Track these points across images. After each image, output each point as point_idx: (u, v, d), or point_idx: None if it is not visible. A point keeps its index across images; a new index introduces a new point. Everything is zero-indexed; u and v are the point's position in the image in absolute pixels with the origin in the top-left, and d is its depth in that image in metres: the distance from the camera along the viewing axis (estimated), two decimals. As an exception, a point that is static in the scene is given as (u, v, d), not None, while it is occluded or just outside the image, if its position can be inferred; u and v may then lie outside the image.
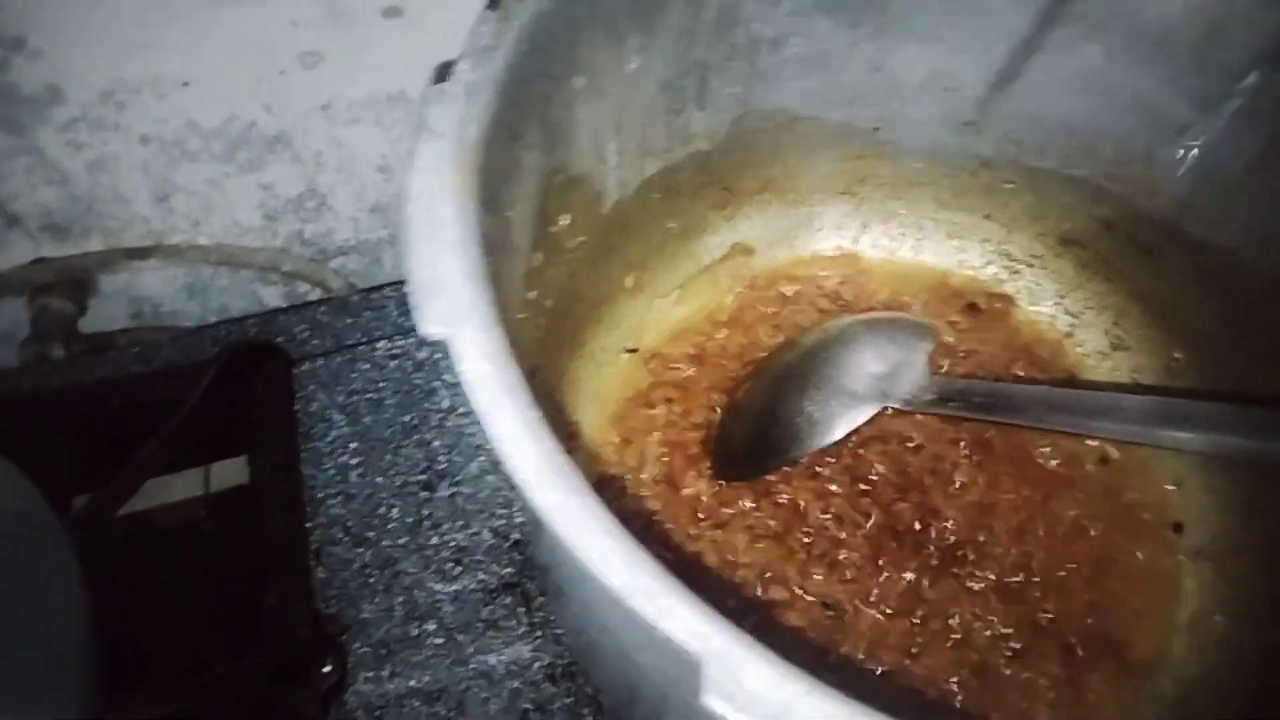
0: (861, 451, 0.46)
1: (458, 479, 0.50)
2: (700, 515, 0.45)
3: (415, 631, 0.46)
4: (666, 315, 0.50)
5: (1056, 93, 0.43)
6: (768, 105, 0.45)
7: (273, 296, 0.66)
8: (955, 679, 0.42)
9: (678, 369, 0.49)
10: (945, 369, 0.49)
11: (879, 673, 0.42)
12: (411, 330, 0.32)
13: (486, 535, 0.48)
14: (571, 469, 0.23)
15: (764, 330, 0.50)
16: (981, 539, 0.45)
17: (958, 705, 0.42)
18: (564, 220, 0.39)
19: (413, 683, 0.45)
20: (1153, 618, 0.44)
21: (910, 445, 0.47)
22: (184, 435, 0.50)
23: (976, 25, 0.42)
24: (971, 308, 0.51)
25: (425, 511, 0.49)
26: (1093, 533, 0.45)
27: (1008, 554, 0.44)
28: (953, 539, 0.45)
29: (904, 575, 0.44)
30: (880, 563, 0.44)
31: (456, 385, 0.25)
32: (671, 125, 0.43)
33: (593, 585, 0.22)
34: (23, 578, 0.42)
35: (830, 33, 0.42)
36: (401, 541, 0.48)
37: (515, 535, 0.48)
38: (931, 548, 0.45)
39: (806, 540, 0.45)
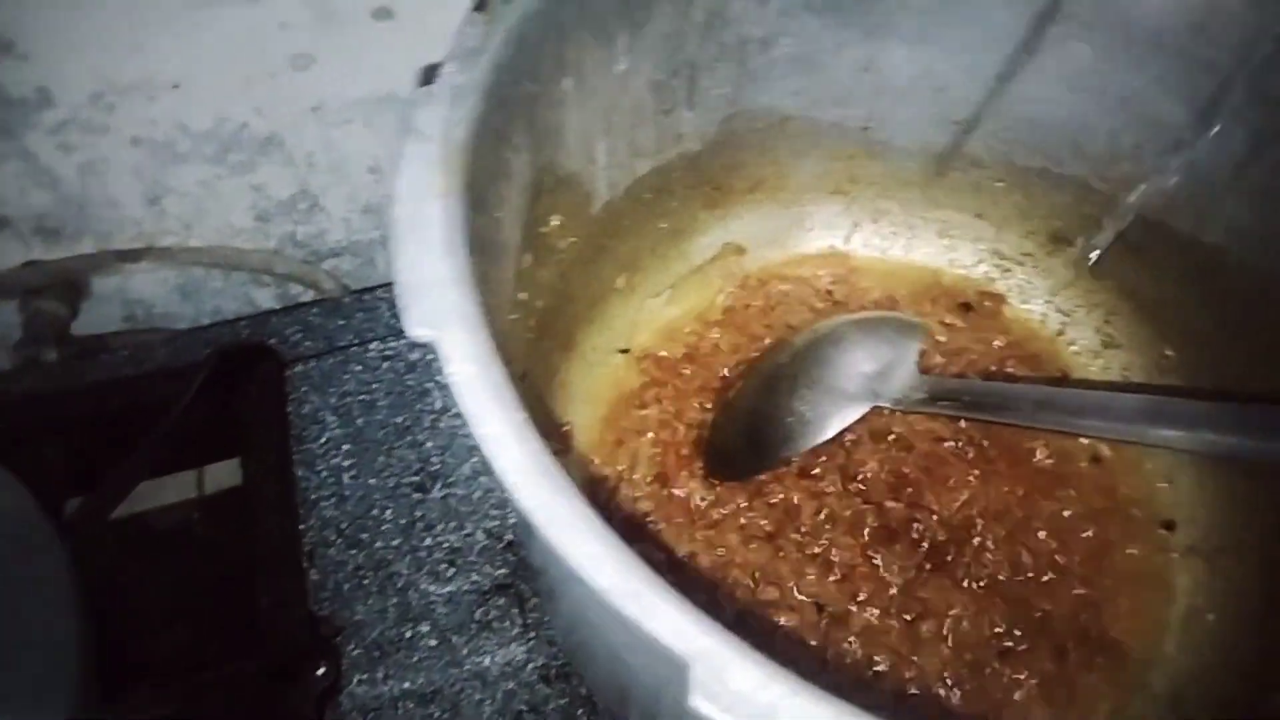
0: (854, 451, 0.46)
1: (451, 480, 0.50)
2: (693, 516, 0.45)
3: (409, 633, 0.46)
4: (658, 315, 0.50)
5: (1046, 92, 0.43)
6: (757, 105, 0.45)
7: (266, 298, 0.66)
8: (948, 678, 0.42)
9: (670, 369, 0.49)
10: (937, 368, 0.49)
11: (872, 672, 0.42)
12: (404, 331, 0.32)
13: (480, 536, 0.48)
14: (558, 470, 0.23)
15: (756, 330, 0.50)
16: (974, 538, 0.45)
17: (951, 704, 0.42)
18: (554, 221, 0.39)
19: (407, 684, 0.45)
20: (1145, 615, 0.44)
21: (902, 445, 0.47)
22: (176, 438, 0.50)
23: (965, 25, 0.42)
24: (963, 306, 0.51)
25: (418, 513, 0.49)
26: (1085, 531, 0.45)
27: (1000, 552, 0.45)
28: (945, 538, 0.45)
29: (897, 574, 0.44)
30: (873, 562, 0.44)
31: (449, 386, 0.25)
32: (661, 126, 0.43)
33: (581, 586, 0.22)
34: (16, 581, 0.42)
35: (819, 33, 0.42)
36: (395, 543, 0.48)
37: (508, 536, 0.48)
38: (924, 547, 0.45)
39: (799, 540, 0.45)
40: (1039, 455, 0.47)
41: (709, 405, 0.48)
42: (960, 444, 0.47)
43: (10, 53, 0.47)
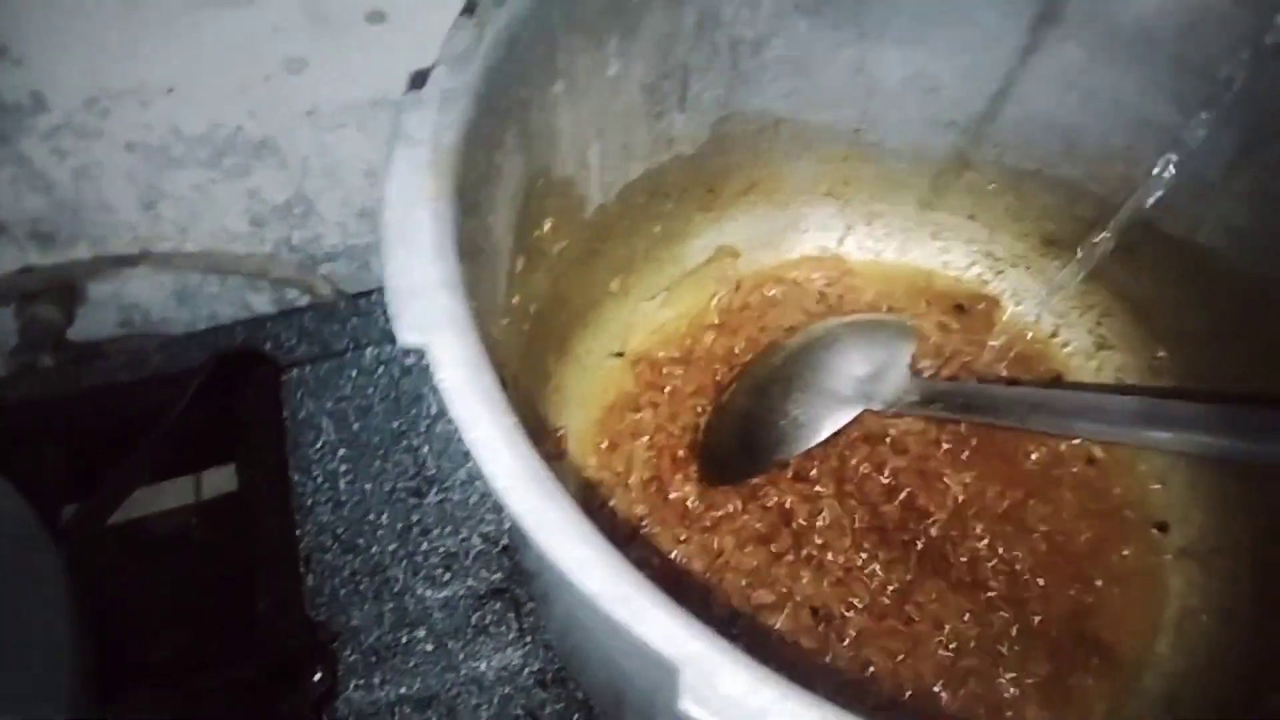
0: (848, 454, 0.47)
1: (446, 485, 0.50)
2: (688, 519, 0.46)
3: (405, 638, 0.46)
4: (652, 319, 0.50)
5: (1037, 94, 0.43)
6: (750, 108, 0.45)
7: (262, 303, 0.66)
8: (943, 680, 0.42)
9: (664, 372, 0.49)
10: (931, 370, 0.49)
11: (867, 675, 0.42)
12: (396, 337, 0.32)
13: (476, 541, 0.48)
14: (548, 475, 0.23)
15: (750, 333, 0.50)
16: (968, 540, 0.45)
17: (946, 706, 0.42)
18: (547, 225, 0.39)
19: (403, 690, 0.45)
20: (1139, 617, 0.44)
21: (897, 447, 0.47)
22: (171, 443, 0.50)
23: (957, 28, 0.42)
24: (957, 308, 0.51)
25: (414, 518, 0.49)
26: (1079, 532, 0.45)
27: (994, 554, 0.45)
28: (939, 540, 0.45)
29: (891, 577, 0.44)
30: (867, 565, 0.44)
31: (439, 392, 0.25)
32: (654, 129, 0.43)
33: (572, 591, 0.22)
34: (12, 587, 0.42)
35: (811, 35, 0.42)
36: (391, 548, 0.48)
37: (504, 541, 0.48)
38: (918, 549, 0.45)
39: (793, 543, 0.45)
40: (1033, 457, 0.47)
41: (703, 408, 0.48)
42: (954, 446, 0.47)
43: (4, 58, 0.47)
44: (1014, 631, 0.43)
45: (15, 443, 0.50)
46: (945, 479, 0.46)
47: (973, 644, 0.43)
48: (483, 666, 0.45)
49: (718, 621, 0.43)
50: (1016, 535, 0.45)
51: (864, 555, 0.44)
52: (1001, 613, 0.43)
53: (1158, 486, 0.47)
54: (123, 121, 0.52)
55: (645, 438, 0.47)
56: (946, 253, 0.52)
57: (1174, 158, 0.39)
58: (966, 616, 0.43)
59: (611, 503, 0.45)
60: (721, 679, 0.21)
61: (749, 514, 0.45)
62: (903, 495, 0.46)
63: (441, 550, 0.48)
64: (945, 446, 0.47)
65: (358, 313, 0.55)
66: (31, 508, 0.44)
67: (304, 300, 0.65)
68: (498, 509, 0.49)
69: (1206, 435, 0.38)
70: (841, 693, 0.42)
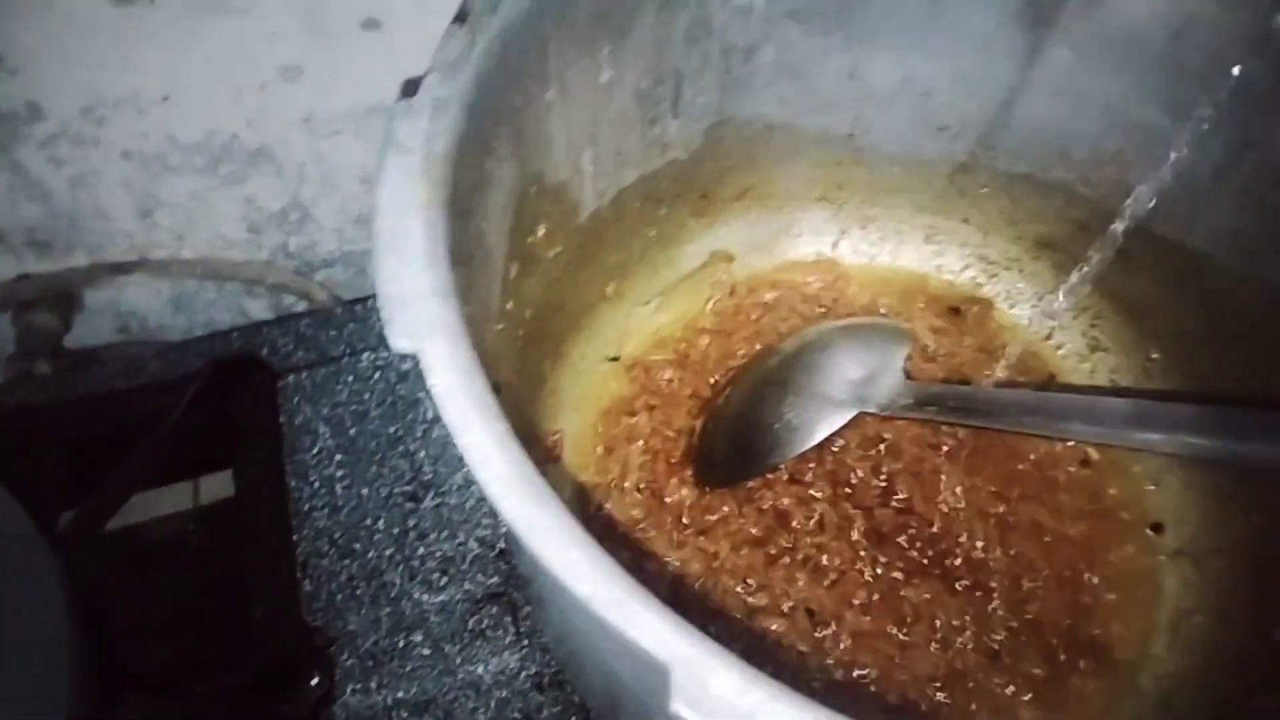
0: (843, 457, 0.47)
1: (443, 489, 0.50)
2: (684, 522, 0.46)
3: (402, 642, 0.46)
4: (647, 323, 0.51)
5: (1029, 98, 0.44)
6: (743, 113, 0.46)
7: (259, 309, 0.66)
8: (938, 681, 0.42)
9: (659, 376, 0.49)
10: (925, 373, 0.49)
11: (864, 676, 0.42)
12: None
13: (472, 545, 0.48)
14: (539, 479, 0.23)
15: (744, 337, 0.50)
16: (963, 541, 0.45)
17: (942, 707, 0.42)
18: (541, 231, 0.40)
19: (400, 694, 0.45)
20: (1134, 617, 0.44)
21: (891, 450, 0.47)
22: (168, 449, 0.50)
23: (948, 33, 0.42)
24: (951, 311, 0.52)
25: (411, 522, 0.49)
26: (1073, 533, 0.46)
27: (989, 556, 0.45)
28: (934, 542, 0.45)
29: (886, 579, 0.44)
30: (862, 567, 0.44)
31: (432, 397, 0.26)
32: (647, 134, 0.43)
33: (565, 595, 0.22)
34: (9, 594, 0.42)
35: (802, 41, 0.42)
36: (388, 553, 0.48)
37: (500, 545, 0.48)
38: (913, 551, 0.45)
39: (789, 546, 0.45)
40: (1027, 459, 0.47)
41: (699, 412, 0.48)
42: (949, 449, 0.47)
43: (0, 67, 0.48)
44: (1009, 633, 0.43)
45: (13, 450, 0.50)
46: (940, 481, 0.46)
47: (968, 645, 0.43)
48: (480, 670, 0.45)
49: (714, 624, 0.43)
50: (1011, 537, 0.45)
51: (859, 557, 0.45)
52: (997, 614, 0.44)
53: (1152, 488, 0.47)
54: (119, 130, 0.52)
55: (640, 442, 0.48)
56: (940, 256, 0.53)
57: (1165, 161, 0.39)
58: (962, 618, 0.43)
59: (607, 506, 0.46)
60: (712, 680, 0.21)
61: (744, 517, 0.46)
62: (898, 498, 0.46)
63: (438, 555, 0.48)
64: (940, 449, 0.47)
65: (354, 319, 0.55)
66: (29, 514, 0.44)
67: (300, 306, 0.65)
68: (494, 513, 0.49)
69: (1200, 437, 0.38)
70: (838, 694, 0.42)
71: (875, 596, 0.44)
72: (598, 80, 0.38)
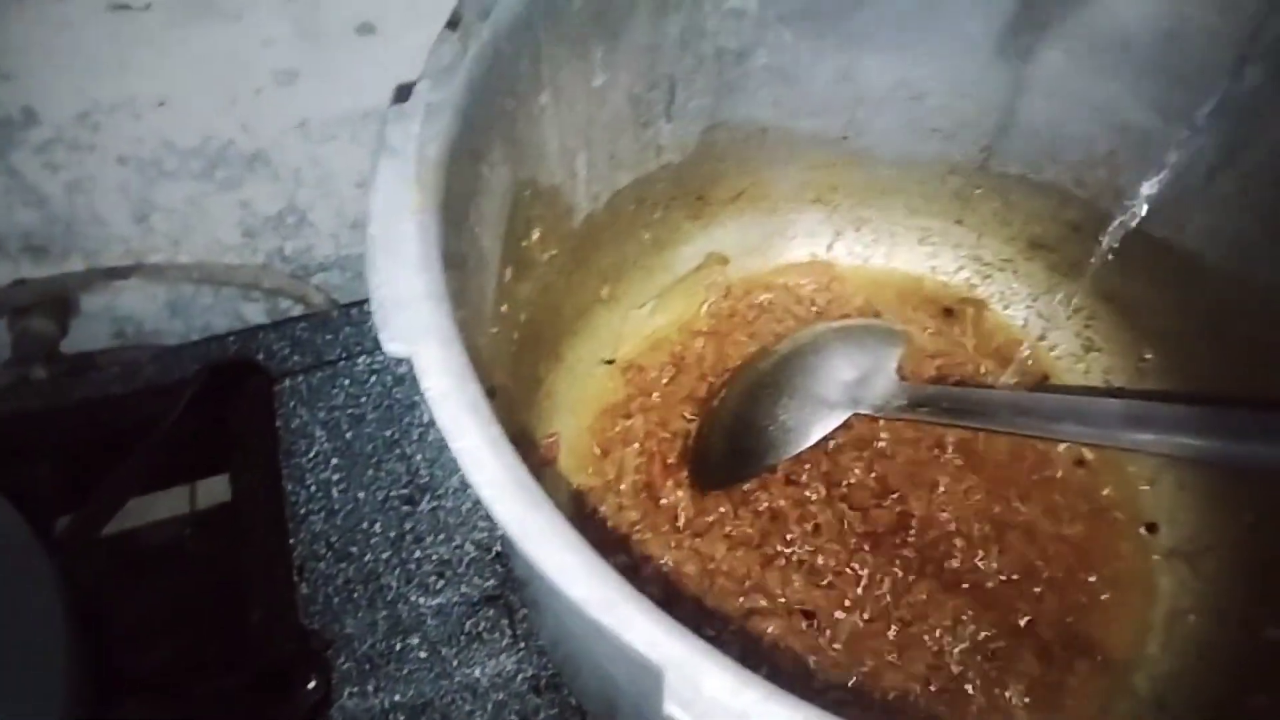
0: (838, 458, 0.47)
1: (439, 493, 0.50)
2: (679, 524, 0.46)
3: (399, 646, 0.46)
4: (643, 326, 0.51)
5: (1021, 99, 0.44)
6: (736, 116, 0.46)
7: (255, 313, 0.66)
8: (934, 682, 0.42)
9: (654, 379, 0.49)
10: (919, 374, 0.49)
11: (859, 677, 0.43)
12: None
13: (469, 548, 0.48)
14: (533, 483, 0.24)
15: (740, 339, 0.50)
16: (958, 542, 0.45)
17: (937, 708, 0.42)
18: (535, 234, 0.40)
19: (397, 697, 0.45)
20: (1128, 617, 0.44)
21: (886, 451, 0.47)
22: (165, 454, 0.50)
23: (940, 35, 0.42)
24: (945, 312, 0.52)
25: (407, 525, 0.49)
26: (1068, 534, 0.46)
27: (984, 557, 0.45)
28: (929, 543, 0.45)
29: (882, 580, 0.44)
30: (858, 568, 0.45)
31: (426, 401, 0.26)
32: (641, 138, 0.43)
33: (561, 597, 0.22)
34: (6, 598, 0.42)
35: (795, 44, 0.43)
36: (384, 556, 0.48)
37: (497, 548, 0.48)
38: (908, 552, 0.45)
39: (785, 547, 0.45)
40: (1022, 460, 0.47)
41: (694, 414, 0.49)
42: (943, 450, 0.47)
43: (-5, 74, 0.48)
44: (1004, 633, 0.43)
45: (9, 455, 0.50)
46: (934, 482, 0.46)
47: (964, 646, 0.43)
48: (477, 673, 0.45)
49: (710, 626, 0.43)
50: (1006, 537, 0.45)
51: (855, 559, 0.45)
52: (992, 614, 0.44)
53: (1147, 488, 0.47)
54: (115, 135, 0.52)
55: (636, 444, 0.48)
56: (934, 257, 0.53)
57: (1157, 163, 0.39)
58: (957, 619, 0.43)
59: (603, 509, 0.46)
60: (705, 682, 0.21)
61: (740, 519, 0.46)
62: (892, 498, 0.46)
63: (435, 558, 0.48)
64: (934, 450, 0.47)
65: (350, 322, 0.56)
66: (25, 519, 0.44)
67: (297, 310, 0.65)
68: (490, 516, 0.49)
69: (1193, 437, 0.39)
70: (834, 695, 0.42)
71: (870, 597, 0.44)
72: (591, 84, 0.38)
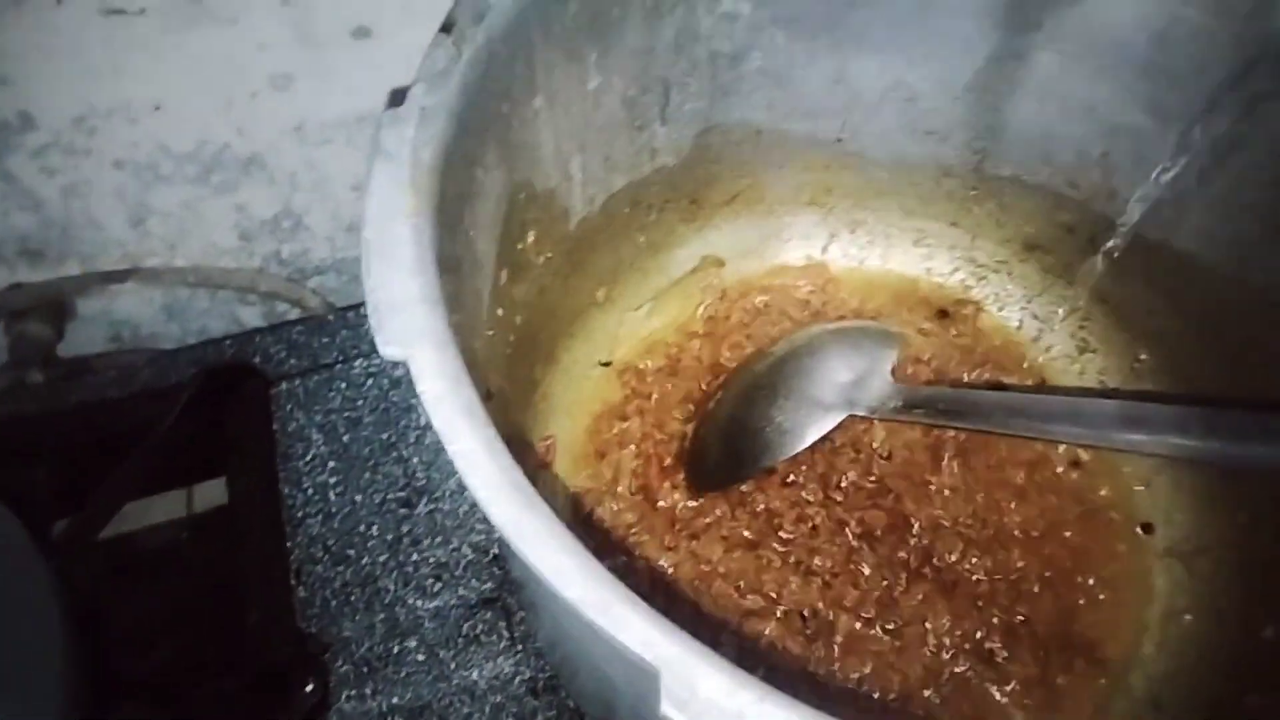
0: (834, 460, 0.47)
1: (436, 495, 0.50)
2: (676, 526, 0.46)
3: (397, 649, 0.46)
4: (639, 328, 0.51)
5: (1014, 101, 0.44)
6: (731, 119, 0.46)
7: (252, 316, 0.66)
8: (931, 683, 0.42)
9: (650, 381, 0.49)
10: (915, 375, 0.49)
11: (856, 678, 0.43)
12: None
13: (466, 551, 0.48)
14: (528, 485, 0.24)
15: (736, 341, 0.50)
16: (954, 543, 0.45)
17: (934, 709, 0.42)
18: (530, 237, 0.40)
19: (395, 700, 0.45)
20: (1124, 617, 0.44)
21: (882, 453, 0.47)
22: (161, 458, 0.50)
23: (932, 37, 0.43)
24: (940, 314, 0.52)
25: (405, 528, 0.49)
26: (1064, 534, 0.46)
27: (981, 558, 0.45)
28: (926, 544, 0.45)
29: (878, 581, 0.44)
30: (855, 569, 0.45)
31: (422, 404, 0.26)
32: (636, 141, 0.43)
33: (556, 599, 0.22)
34: (3, 602, 0.42)
35: (789, 47, 0.43)
36: (381, 559, 0.48)
37: (494, 550, 0.48)
38: (904, 553, 0.45)
39: (782, 549, 0.45)
40: (1018, 460, 0.47)
41: (690, 416, 0.49)
42: (939, 451, 0.47)
43: (-10, 79, 0.48)
44: (1001, 633, 0.43)
45: (6, 459, 0.50)
46: (930, 483, 0.46)
47: (960, 647, 0.43)
48: (474, 675, 0.45)
49: (707, 628, 0.43)
50: (1002, 538, 0.45)
51: (851, 560, 0.45)
52: (988, 615, 0.44)
53: (1142, 488, 0.47)
54: (111, 139, 0.53)
55: (633, 446, 0.48)
56: (929, 259, 0.53)
57: (1149, 164, 0.39)
58: (953, 619, 0.43)
59: (600, 511, 0.46)
60: (701, 683, 0.21)
61: (737, 520, 0.46)
62: (889, 500, 0.46)
63: (432, 560, 0.48)
64: (930, 451, 0.47)
65: (346, 326, 0.56)
66: (22, 523, 0.44)
67: (293, 314, 0.65)
68: (487, 518, 0.49)
69: (1188, 438, 0.39)
70: (831, 696, 0.42)
71: (867, 598, 0.44)
72: (585, 87, 0.38)
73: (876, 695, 0.42)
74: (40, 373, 0.57)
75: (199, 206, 0.58)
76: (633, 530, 0.45)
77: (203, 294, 0.63)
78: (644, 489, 0.47)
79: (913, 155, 0.48)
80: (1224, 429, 0.38)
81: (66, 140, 0.52)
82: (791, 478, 0.47)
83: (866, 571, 0.45)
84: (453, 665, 0.45)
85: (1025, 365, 0.50)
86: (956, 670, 0.43)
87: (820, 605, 0.44)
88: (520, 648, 0.46)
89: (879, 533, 0.45)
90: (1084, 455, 0.48)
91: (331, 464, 0.51)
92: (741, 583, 0.44)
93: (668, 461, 0.47)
